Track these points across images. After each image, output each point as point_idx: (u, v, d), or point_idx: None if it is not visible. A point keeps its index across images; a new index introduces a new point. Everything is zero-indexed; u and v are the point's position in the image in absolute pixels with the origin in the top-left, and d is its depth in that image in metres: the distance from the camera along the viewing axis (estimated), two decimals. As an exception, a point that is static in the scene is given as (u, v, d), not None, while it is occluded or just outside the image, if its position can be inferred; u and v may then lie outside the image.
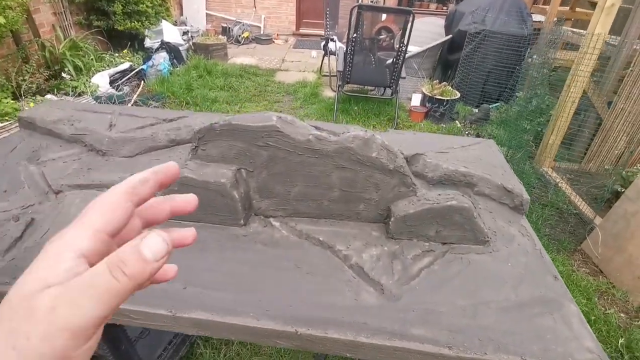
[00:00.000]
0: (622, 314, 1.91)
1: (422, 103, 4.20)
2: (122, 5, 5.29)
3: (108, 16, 5.41)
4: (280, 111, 4.38)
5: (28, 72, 3.84)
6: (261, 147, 0.87)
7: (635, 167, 2.96)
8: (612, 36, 3.06)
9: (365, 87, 4.78)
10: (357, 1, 5.34)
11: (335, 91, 4.37)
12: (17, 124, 1.36)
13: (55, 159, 1.19)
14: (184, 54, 6.07)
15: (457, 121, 4.15)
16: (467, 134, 3.88)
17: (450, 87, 4.15)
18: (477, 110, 4.19)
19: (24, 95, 3.77)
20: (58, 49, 4.57)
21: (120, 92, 4.41)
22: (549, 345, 0.66)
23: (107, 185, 1.07)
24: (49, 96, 3.98)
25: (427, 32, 5.64)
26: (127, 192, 0.29)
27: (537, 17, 4.95)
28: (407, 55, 4.74)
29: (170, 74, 5.16)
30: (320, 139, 0.85)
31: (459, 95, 4.12)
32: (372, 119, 4.12)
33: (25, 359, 0.21)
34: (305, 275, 0.79)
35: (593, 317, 1.83)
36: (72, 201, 0.98)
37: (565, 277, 2.09)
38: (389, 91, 4.41)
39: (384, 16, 4.14)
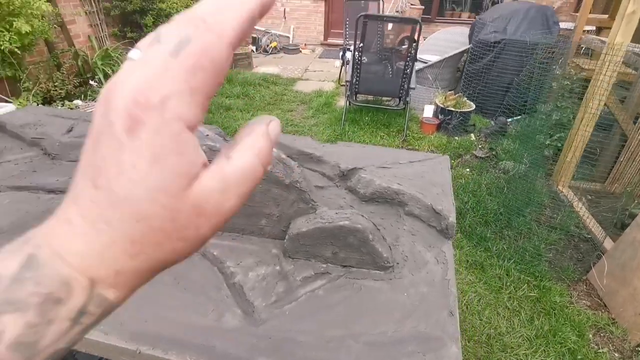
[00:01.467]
0: (616, 354, 1.70)
1: (435, 115, 4.05)
2: (153, 18, 5.61)
3: (141, 28, 5.76)
4: (292, 120, 4.42)
5: (59, 79, 4.15)
6: (158, 156, 0.86)
7: (663, 190, 2.66)
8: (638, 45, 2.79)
9: (381, 97, 4.70)
10: (376, 11, 5.30)
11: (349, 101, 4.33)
12: None
13: (11, 160, 1.26)
14: (209, 63, 6.31)
15: (472, 134, 3.96)
16: (480, 148, 3.68)
17: (465, 99, 3.97)
18: (493, 123, 3.98)
19: (54, 100, 4.08)
20: (91, 58, 4.92)
21: (143, 99, 4.64)
22: (403, 391, 0.59)
23: (42, 188, 1.11)
24: (77, 101, 4.28)
25: (451, 41, 5.47)
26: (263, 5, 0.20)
27: (568, 25, 4.65)
28: (424, 66, 4.62)
29: (192, 82, 5.37)
30: (214, 150, 0.83)
31: (473, 106, 3.93)
32: (381, 130, 4.03)
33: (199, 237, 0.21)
34: (180, 290, 0.76)
35: (580, 357, 1.64)
36: (2, 202, 1.03)
37: (559, 310, 1.90)
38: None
39: (390, 25, 4.06)
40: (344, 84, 5.52)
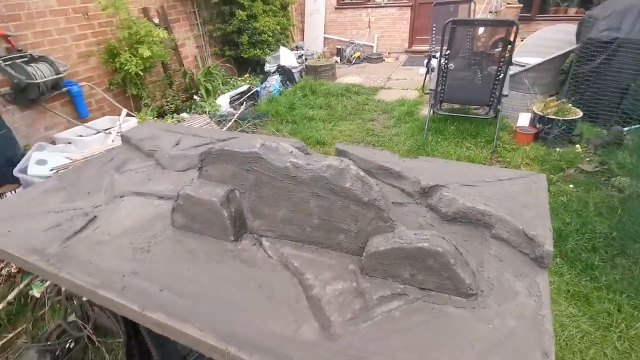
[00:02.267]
0: None
1: (532, 123, 3.67)
2: (247, 37, 6.14)
3: (237, 46, 6.34)
4: (372, 130, 4.41)
5: (171, 95, 4.78)
6: (249, 171, 0.94)
7: None
8: None
9: (467, 106, 4.43)
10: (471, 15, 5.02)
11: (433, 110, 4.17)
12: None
13: (132, 169, 1.50)
14: (296, 75, 6.66)
15: (577, 145, 3.49)
16: (588, 161, 3.22)
17: (569, 105, 3.52)
18: (606, 133, 3.45)
19: (166, 114, 4.71)
20: (196, 76, 5.58)
21: (236, 112, 5.09)
22: None
23: (155, 194, 1.29)
24: (183, 114, 4.88)
25: (554, 41, 4.92)
26: None
27: None
28: (520, 70, 4.23)
29: (280, 94, 5.73)
30: (297, 167, 0.89)
31: (580, 114, 3.46)
32: (467, 141, 3.79)
33: None
34: (263, 298, 0.82)
35: None
36: (126, 205, 1.23)
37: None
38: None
39: (480, 30, 3.79)
40: (427, 92, 5.34)
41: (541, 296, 0.78)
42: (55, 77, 3.27)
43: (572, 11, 6.71)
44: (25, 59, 3.19)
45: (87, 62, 4.01)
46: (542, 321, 0.72)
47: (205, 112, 4.69)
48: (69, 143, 3.29)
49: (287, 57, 6.77)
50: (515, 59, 4.23)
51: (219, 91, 5.61)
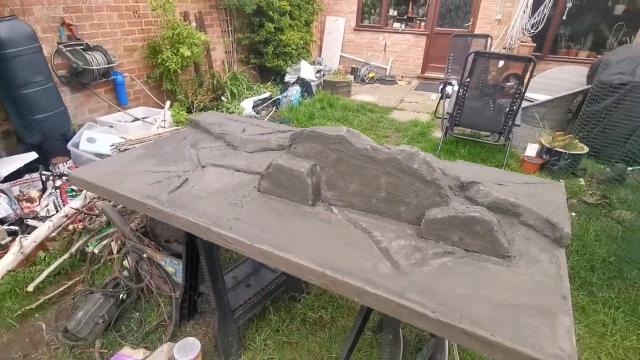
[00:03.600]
0: None
1: (539, 154, 3.95)
2: (273, 48, 6.48)
3: (262, 56, 6.68)
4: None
5: (200, 94, 5.06)
6: (332, 150, 1.19)
7: None
8: None
9: (479, 132, 4.72)
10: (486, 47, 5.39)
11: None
12: (188, 123, 1.99)
13: (206, 147, 1.73)
14: (314, 88, 6.99)
15: (581, 179, 3.75)
16: (590, 194, 3.48)
17: (576, 140, 3.81)
18: (609, 170, 3.72)
19: (195, 110, 4.97)
20: (223, 79, 5.87)
21: (258, 115, 5.37)
22: (523, 335, 0.77)
23: (232, 167, 1.52)
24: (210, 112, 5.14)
25: (564, 80, 5.27)
26: None
27: None
28: (530, 104, 4.55)
29: (299, 104, 6.03)
30: (375, 149, 1.13)
31: (586, 150, 3.74)
32: (477, 164, 4.05)
33: None
34: (343, 244, 1.05)
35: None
36: (210, 173, 1.46)
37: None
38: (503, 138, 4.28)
39: (501, 63, 4.12)
40: (440, 116, 5.65)
41: (560, 264, 1.02)
42: (108, 66, 3.54)
43: (583, 54, 7.08)
44: (82, 47, 3.46)
45: (132, 55, 4.29)
46: (561, 279, 0.96)
47: (232, 113, 4.96)
48: (111, 127, 3.53)
49: (307, 71, 7.11)
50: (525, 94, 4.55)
51: (243, 95, 5.90)
